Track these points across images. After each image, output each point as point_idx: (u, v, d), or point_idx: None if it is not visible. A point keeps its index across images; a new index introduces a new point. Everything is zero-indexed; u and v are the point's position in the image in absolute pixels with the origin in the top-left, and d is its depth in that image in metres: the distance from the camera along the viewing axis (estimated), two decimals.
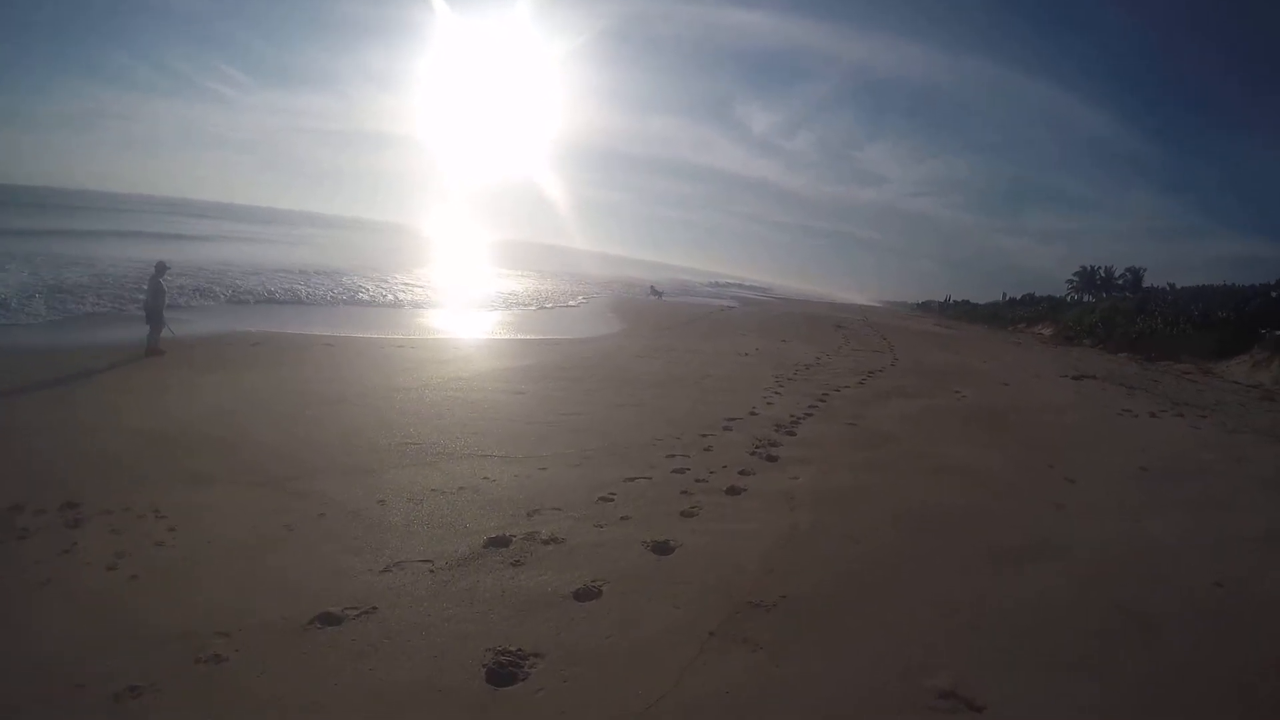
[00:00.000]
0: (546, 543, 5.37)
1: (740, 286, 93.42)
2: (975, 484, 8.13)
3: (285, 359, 12.86)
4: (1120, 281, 70.99)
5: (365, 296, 25.08)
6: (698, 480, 7.17)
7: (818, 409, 11.73)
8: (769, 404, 11.85)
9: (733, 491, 6.91)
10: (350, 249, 53.01)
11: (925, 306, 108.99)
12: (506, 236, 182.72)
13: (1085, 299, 68.56)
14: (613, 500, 6.42)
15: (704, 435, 9.20)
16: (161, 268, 12.69)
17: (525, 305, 28.45)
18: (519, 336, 19.59)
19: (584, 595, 4.57)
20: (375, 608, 4.27)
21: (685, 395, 12.22)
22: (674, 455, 8.09)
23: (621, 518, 5.99)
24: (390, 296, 26.10)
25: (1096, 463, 9.72)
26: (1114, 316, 44.82)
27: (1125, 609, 5.10)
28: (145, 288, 12.80)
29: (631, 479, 7.09)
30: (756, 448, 8.70)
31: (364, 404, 9.67)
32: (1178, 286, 59.77)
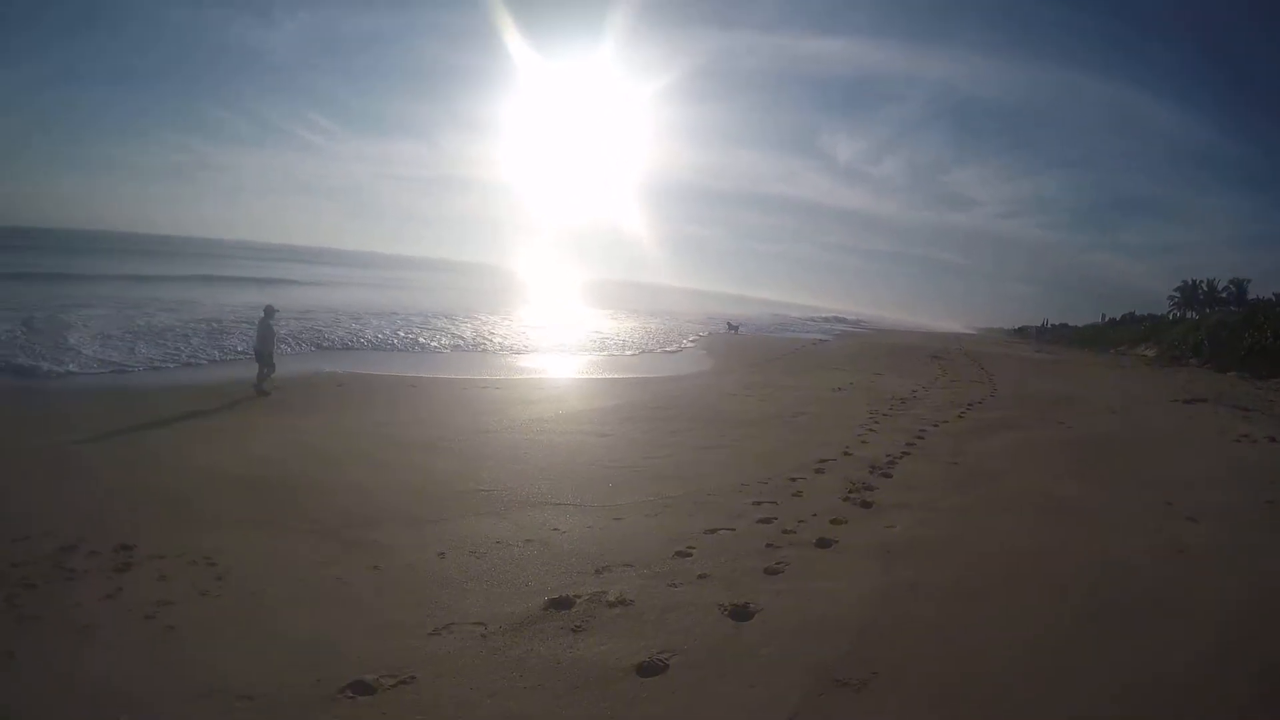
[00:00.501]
0: (613, 605, 4.83)
1: (831, 320, 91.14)
2: (1087, 526, 7.22)
3: (372, 400, 12.96)
4: (1224, 295, 67.23)
5: (461, 339, 25.21)
6: (785, 531, 6.51)
7: (915, 446, 10.88)
8: (864, 442, 11.07)
9: (823, 544, 6.21)
10: (444, 291, 54.06)
11: (1022, 331, 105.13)
12: (596, 275, 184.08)
13: (1188, 315, 64.87)
14: (691, 555, 5.85)
15: (794, 479, 8.53)
16: (270, 311, 12.96)
17: (617, 350, 27.97)
18: (608, 376, 19.29)
19: (648, 669, 4.01)
20: (414, 677, 3.83)
21: (776, 435, 11.59)
22: (761, 502, 7.46)
23: (699, 576, 5.40)
24: (481, 338, 26.26)
25: (1218, 498, 8.59)
26: (1220, 333, 41.95)
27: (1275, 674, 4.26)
28: (254, 331, 13.08)
29: (713, 530, 6.51)
30: (850, 492, 7.97)
31: (440, 447, 9.48)
32: None
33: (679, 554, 5.86)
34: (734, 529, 6.57)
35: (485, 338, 26.17)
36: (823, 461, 9.54)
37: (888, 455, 10.07)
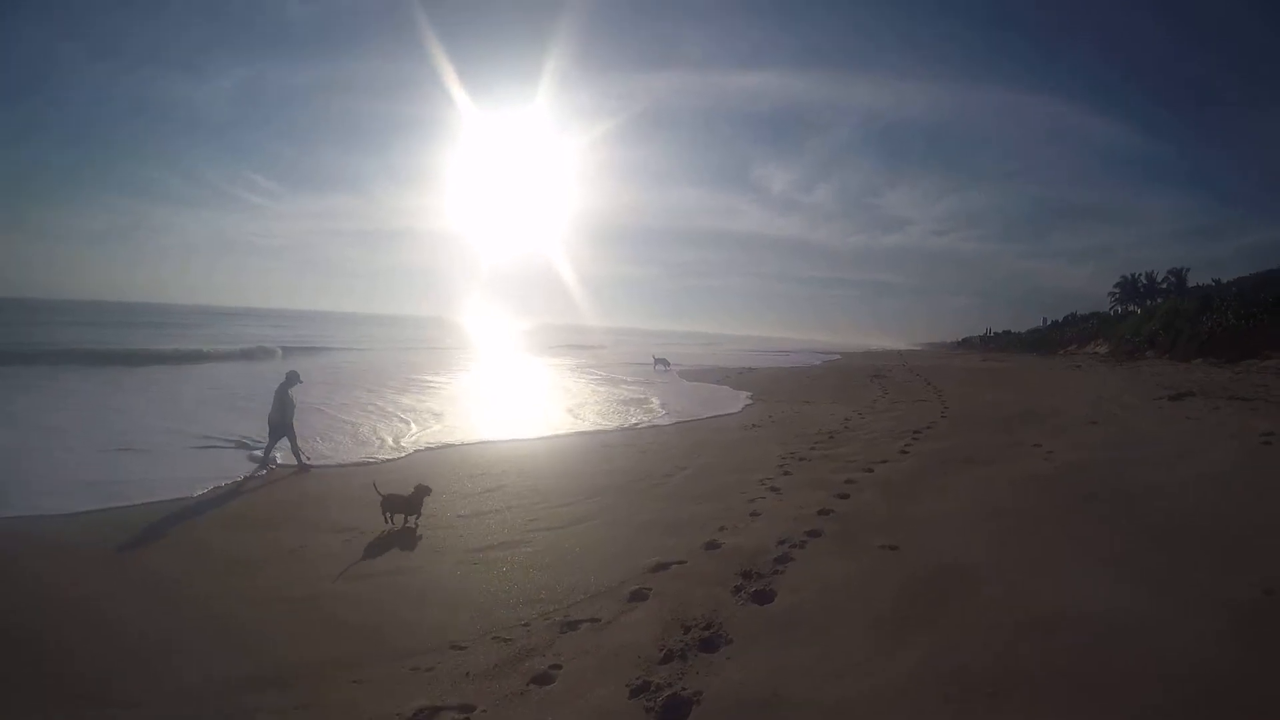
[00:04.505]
0: None
1: (768, 348, 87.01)
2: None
3: None
4: (1164, 286, 66.13)
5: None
6: None
7: (832, 515, 6.89)
8: (754, 514, 7.08)
9: None
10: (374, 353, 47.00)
11: (966, 343, 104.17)
12: (539, 321, 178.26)
13: (1130, 310, 63.87)
14: None
15: (571, 626, 4.50)
16: (293, 378, 11.00)
17: (530, 404, 23.17)
18: (488, 438, 14.41)
19: None
20: None
21: (626, 512, 7.64)
22: (435, 712, 3.35)
23: None
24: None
25: None
26: (1176, 320, 40.40)
27: None
28: (272, 400, 10.75)
29: None
30: (661, 661, 3.90)
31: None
32: (1223, 281, 54.56)
33: None
34: None
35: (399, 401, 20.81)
36: (660, 567, 5.51)
37: (781, 541, 6.02)
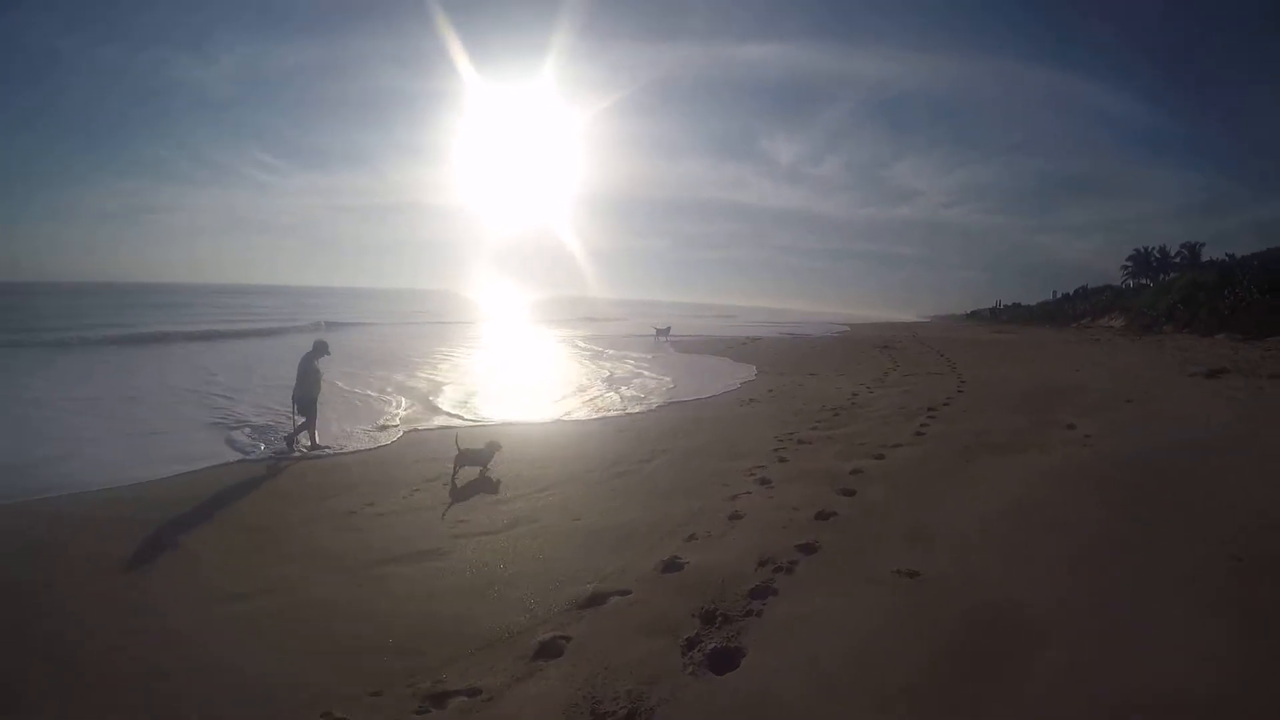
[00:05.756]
0: None
1: (773, 320, 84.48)
2: None
3: None
4: (1178, 260, 64.81)
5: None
6: None
7: (833, 521, 5.41)
8: (734, 516, 5.64)
9: None
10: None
11: (975, 315, 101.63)
12: (552, 293, 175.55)
13: (1143, 283, 63.05)
14: None
15: (433, 703, 3.16)
16: (320, 348, 9.87)
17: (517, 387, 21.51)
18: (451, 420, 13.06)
19: None
20: None
21: (576, 511, 6.23)
22: None
23: None
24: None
25: None
26: (1196, 293, 38.78)
27: None
28: (296, 373, 9.68)
29: None
30: None
31: None
32: (1237, 256, 52.80)
33: None
34: None
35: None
36: (595, 600, 4.09)
37: (764, 561, 4.55)
